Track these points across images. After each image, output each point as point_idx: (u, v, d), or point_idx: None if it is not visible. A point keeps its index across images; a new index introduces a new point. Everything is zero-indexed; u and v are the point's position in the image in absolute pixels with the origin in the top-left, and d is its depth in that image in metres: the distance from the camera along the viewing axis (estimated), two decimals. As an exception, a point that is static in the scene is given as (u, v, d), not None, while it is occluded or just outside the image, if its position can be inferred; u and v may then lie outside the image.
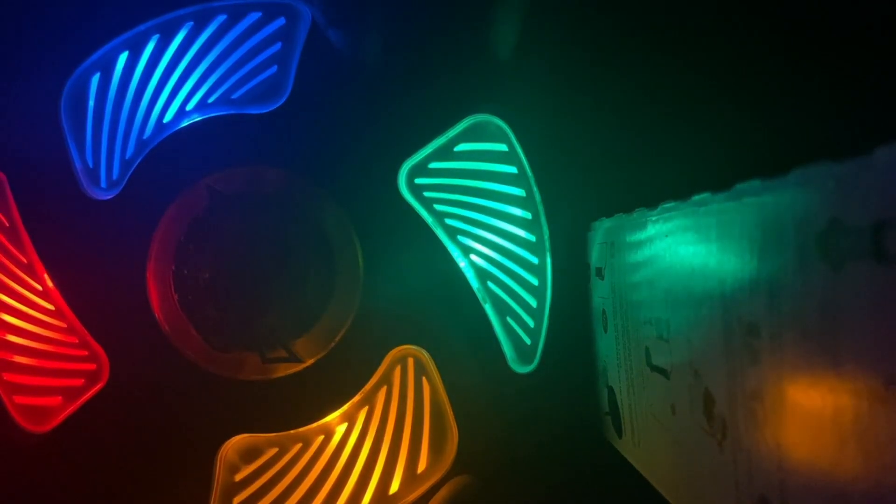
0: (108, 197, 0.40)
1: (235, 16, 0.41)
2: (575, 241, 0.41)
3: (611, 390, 0.37)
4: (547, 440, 0.41)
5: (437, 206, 0.42)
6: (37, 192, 0.40)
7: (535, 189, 0.41)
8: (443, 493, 0.41)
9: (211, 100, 0.41)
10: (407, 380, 0.42)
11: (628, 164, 0.40)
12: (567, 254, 0.41)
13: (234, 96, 0.41)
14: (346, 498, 0.41)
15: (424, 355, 0.41)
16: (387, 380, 0.41)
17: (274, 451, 0.41)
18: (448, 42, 0.40)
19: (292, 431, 0.41)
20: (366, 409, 0.41)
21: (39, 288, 0.40)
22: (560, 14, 0.40)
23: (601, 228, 0.38)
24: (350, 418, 0.41)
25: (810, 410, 0.17)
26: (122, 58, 0.40)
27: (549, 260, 0.41)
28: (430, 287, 0.41)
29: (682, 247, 0.25)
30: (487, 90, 0.40)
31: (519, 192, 0.41)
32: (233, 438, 0.40)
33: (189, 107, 0.41)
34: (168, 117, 0.41)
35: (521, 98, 0.40)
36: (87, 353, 0.40)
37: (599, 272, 0.37)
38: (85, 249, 0.40)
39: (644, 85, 0.40)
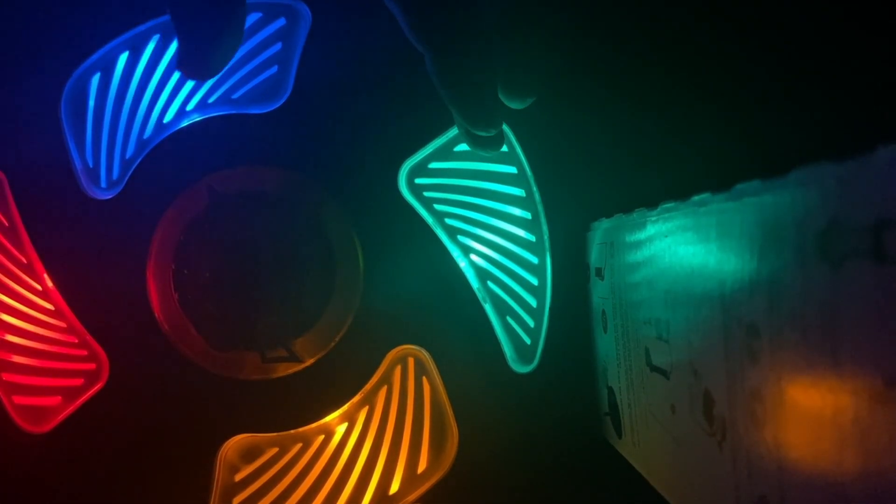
0: (108, 197, 0.40)
1: (235, 16, 0.40)
2: (574, 241, 0.41)
3: (610, 390, 0.37)
4: (547, 440, 0.41)
5: (437, 206, 0.42)
6: (37, 192, 0.40)
7: (534, 189, 0.41)
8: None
9: (211, 100, 0.41)
10: (407, 380, 0.42)
11: (628, 164, 0.40)
12: (567, 254, 0.41)
13: (235, 96, 0.41)
14: (346, 498, 0.41)
15: (424, 355, 0.41)
16: (387, 380, 0.41)
17: (274, 451, 0.41)
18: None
19: (292, 431, 0.41)
20: (366, 409, 0.41)
21: (39, 288, 0.40)
22: (559, 14, 0.40)
23: (600, 228, 0.38)
24: (350, 418, 0.41)
25: (810, 410, 0.17)
26: (123, 58, 0.40)
27: (548, 260, 0.41)
28: (430, 287, 0.41)
29: (681, 247, 0.25)
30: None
31: (519, 192, 0.41)
32: (233, 438, 0.40)
33: (189, 107, 0.41)
34: (168, 117, 0.41)
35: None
36: (86, 352, 0.40)
37: (599, 272, 0.37)
38: (85, 249, 0.40)
39: (644, 85, 0.40)
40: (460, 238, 0.42)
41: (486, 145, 0.36)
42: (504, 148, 0.41)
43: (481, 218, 0.42)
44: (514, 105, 0.35)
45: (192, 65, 0.31)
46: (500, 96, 0.34)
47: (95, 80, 0.40)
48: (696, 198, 0.24)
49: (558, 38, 0.37)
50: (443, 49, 0.31)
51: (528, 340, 0.42)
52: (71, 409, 0.40)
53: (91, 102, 0.40)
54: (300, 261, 0.40)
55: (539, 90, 0.34)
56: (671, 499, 0.29)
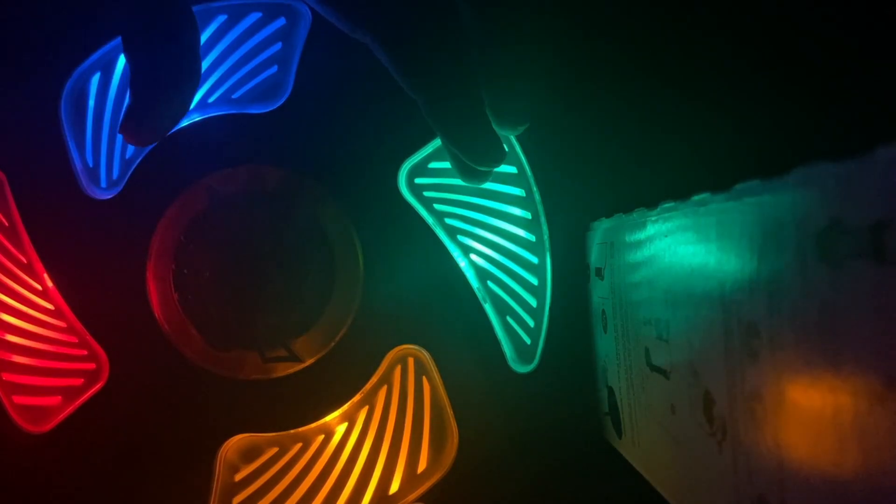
0: (108, 197, 0.40)
1: (235, 16, 0.41)
2: (574, 241, 0.41)
3: (610, 390, 0.37)
4: (547, 440, 0.41)
5: (437, 206, 0.42)
6: (37, 192, 0.40)
7: (534, 189, 0.41)
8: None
9: (211, 99, 0.41)
10: (407, 380, 0.42)
11: (628, 164, 0.40)
12: (567, 254, 0.41)
13: (235, 96, 0.41)
14: (346, 498, 0.41)
15: (424, 355, 0.41)
16: (387, 380, 0.41)
17: (274, 451, 0.41)
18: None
19: (292, 431, 0.41)
20: (366, 409, 0.41)
21: (39, 288, 0.40)
22: (558, 14, 0.40)
23: (600, 228, 0.38)
24: (350, 418, 0.41)
25: (810, 410, 0.17)
26: (123, 57, 0.40)
27: (548, 260, 0.41)
28: (430, 287, 0.41)
29: (681, 247, 0.25)
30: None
31: (519, 191, 0.41)
32: (233, 438, 0.40)
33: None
34: (168, 117, 0.41)
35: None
36: (86, 352, 0.40)
37: (599, 272, 0.37)
38: (85, 249, 0.40)
39: (644, 84, 0.40)
40: (460, 238, 0.42)
41: (485, 176, 0.36)
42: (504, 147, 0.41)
43: (481, 218, 0.42)
44: (508, 133, 0.35)
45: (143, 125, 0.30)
46: (494, 126, 0.34)
47: (95, 79, 0.40)
48: (696, 198, 0.24)
49: (544, 59, 0.37)
50: (437, 96, 0.31)
51: (528, 340, 0.42)
52: (71, 409, 0.40)
53: (91, 102, 0.40)
54: (300, 261, 0.40)
55: (530, 117, 0.34)
56: (671, 499, 0.29)
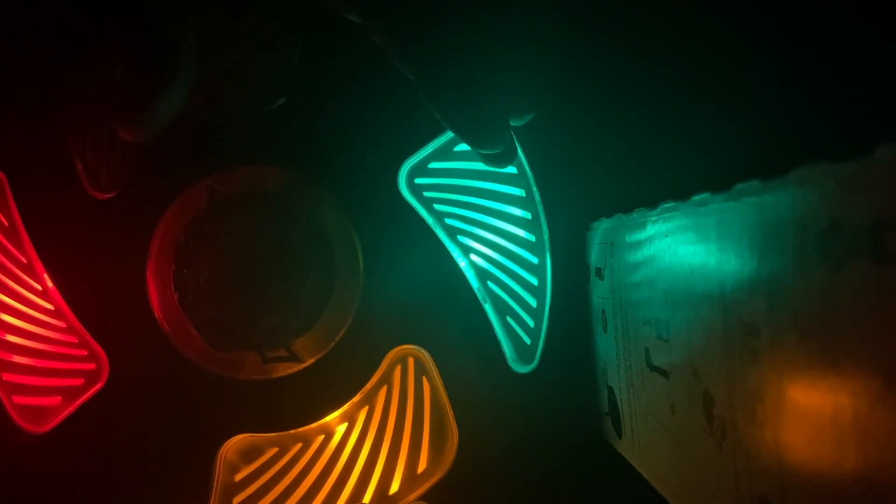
0: (108, 197, 0.40)
1: (235, 16, 0.40)
2: (574, 240, 0.41)
3: (610, 390, 0.37)
4: (547, 440, 0.41)
5: (437, 206, 0.42)
6: (37, 192, 0.40)
7: (534, 189, 0.41)
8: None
9: (211, 100, 0.41)
10: (407, 380, 0.42)
11: (628, 164, 0.40)
12: (566, 254, 0.41)
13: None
14: (346, 498, 0.41)
15: (424, 355, 0.41)
16: (387, 380, 0.41)
17: (274, 451, 0.41)
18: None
19: (292, 431, 0.41)
20: (366, 409, 0.41)
21: (39, 288, 0.40)
22: (557, 13, 0.40)
23: (600, 228, 0.38)
24: (350, 418, 0.41)
25: (810, 410, 0.17)
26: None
27: (548, 260, 0.41)
28: (430, 287, 0.41)
29: (681, 247, 0.25)
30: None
31: (519, 192, 0.41)
32: (233, 438, 0.40)
33: (189, 107, 0.41)
34: (168, 117, 0.41)
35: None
36: (86, 352, 0.40)
37: (599, 272, 0.37)
38: (85, 249, 0.40)
39: (644, 84, 0.40)
40: (460, 238, 0.42)
41: (495, 161, 0.35)
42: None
43: (481, 218, 0.42)
44: (514, 122, 0.35)
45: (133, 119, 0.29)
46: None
47: (96, 79, 0.40)
48: (696, 198, 0.24)
49: (550, 51, 0.37)
50: (432, 77, 0.30)
51: (528, 340, 0.42)
52: (71, 409, 0.40)
53: (92, 102, 0.40)
54: (300, 261, 0.40)
55: (537, 107, 0.34)
56: (671, 499, 0.29)
